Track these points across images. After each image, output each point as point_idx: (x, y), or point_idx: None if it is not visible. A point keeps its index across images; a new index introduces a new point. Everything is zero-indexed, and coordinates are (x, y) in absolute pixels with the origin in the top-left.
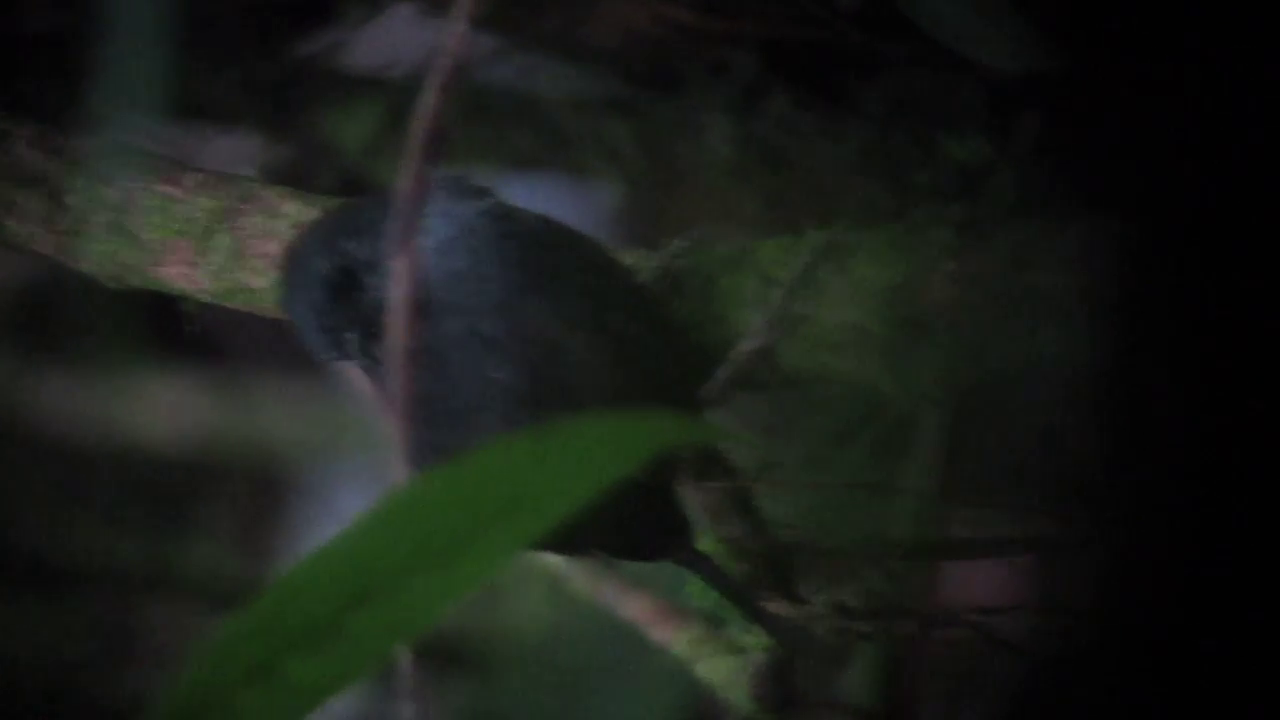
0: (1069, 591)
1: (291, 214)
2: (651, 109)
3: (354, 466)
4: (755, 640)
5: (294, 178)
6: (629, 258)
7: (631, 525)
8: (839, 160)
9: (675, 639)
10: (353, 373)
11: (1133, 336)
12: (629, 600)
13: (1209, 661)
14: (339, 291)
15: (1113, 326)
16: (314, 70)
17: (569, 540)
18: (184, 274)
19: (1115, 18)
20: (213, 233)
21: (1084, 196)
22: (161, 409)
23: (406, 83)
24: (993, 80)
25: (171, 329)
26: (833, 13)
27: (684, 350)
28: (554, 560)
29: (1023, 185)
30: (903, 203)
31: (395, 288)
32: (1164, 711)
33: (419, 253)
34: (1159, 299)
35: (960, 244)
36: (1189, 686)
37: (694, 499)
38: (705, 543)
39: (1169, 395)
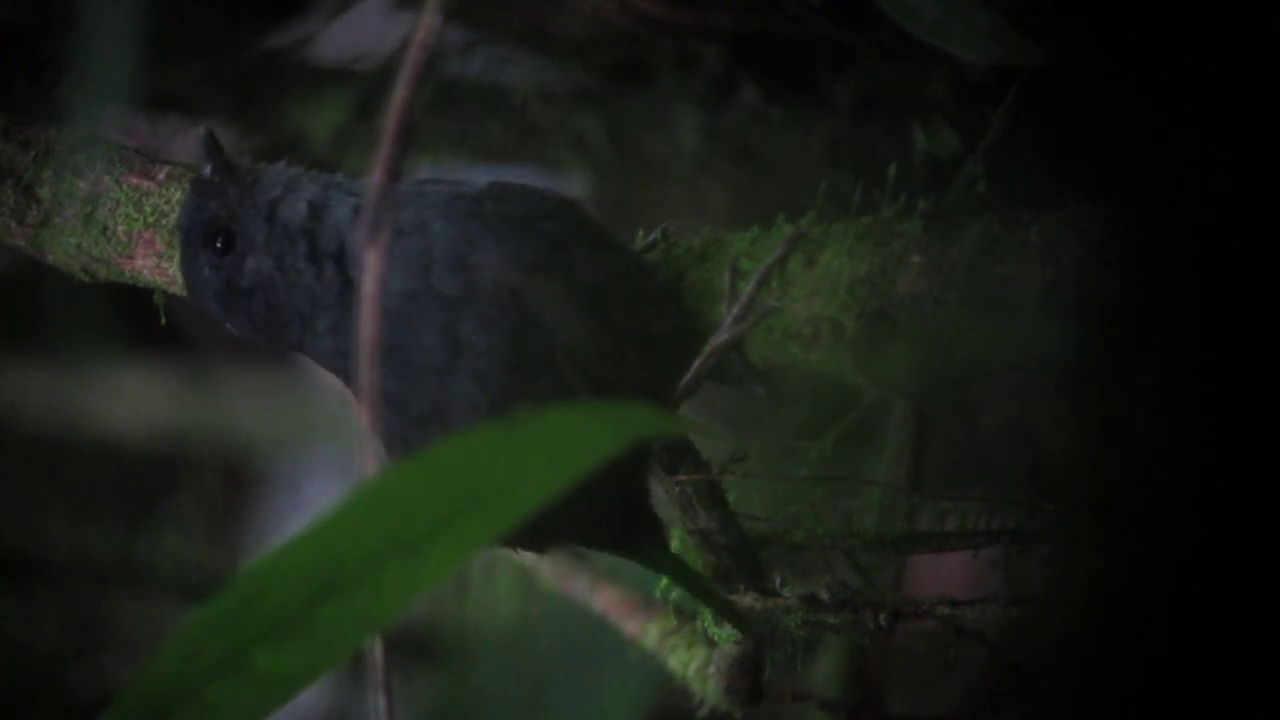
0: (1036, 583)
1: None
2: (620, 101)
3: (323, 457)
4: (725, 633)
5: None
6: None
7: (604, 514)
8: (808, 152)
9: (646, 631)
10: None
11: (1102, 329)
12: (600, 592)
13: (1176, 652)
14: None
15: (1082, 319)
16: (284, 62)
17: (541, 534)
18: (155, 266)
19: (1087, 11)
20: None
21: (1054, 189)
22: (131, 401)
23: (376, 75)
24: (963, 72)
25: (142, 321)
26: (802, 5)
27: (664, 314)
28: (525, 554)
29: (992, 178)
30: (872, 195)
31: (364, 280)
32: (1129, 701)
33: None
34: (1129, 291)
35: (929, 236)
36: (1154, 677)
37: (663, 492)
38: (674, 536)
39: (1138, 387)
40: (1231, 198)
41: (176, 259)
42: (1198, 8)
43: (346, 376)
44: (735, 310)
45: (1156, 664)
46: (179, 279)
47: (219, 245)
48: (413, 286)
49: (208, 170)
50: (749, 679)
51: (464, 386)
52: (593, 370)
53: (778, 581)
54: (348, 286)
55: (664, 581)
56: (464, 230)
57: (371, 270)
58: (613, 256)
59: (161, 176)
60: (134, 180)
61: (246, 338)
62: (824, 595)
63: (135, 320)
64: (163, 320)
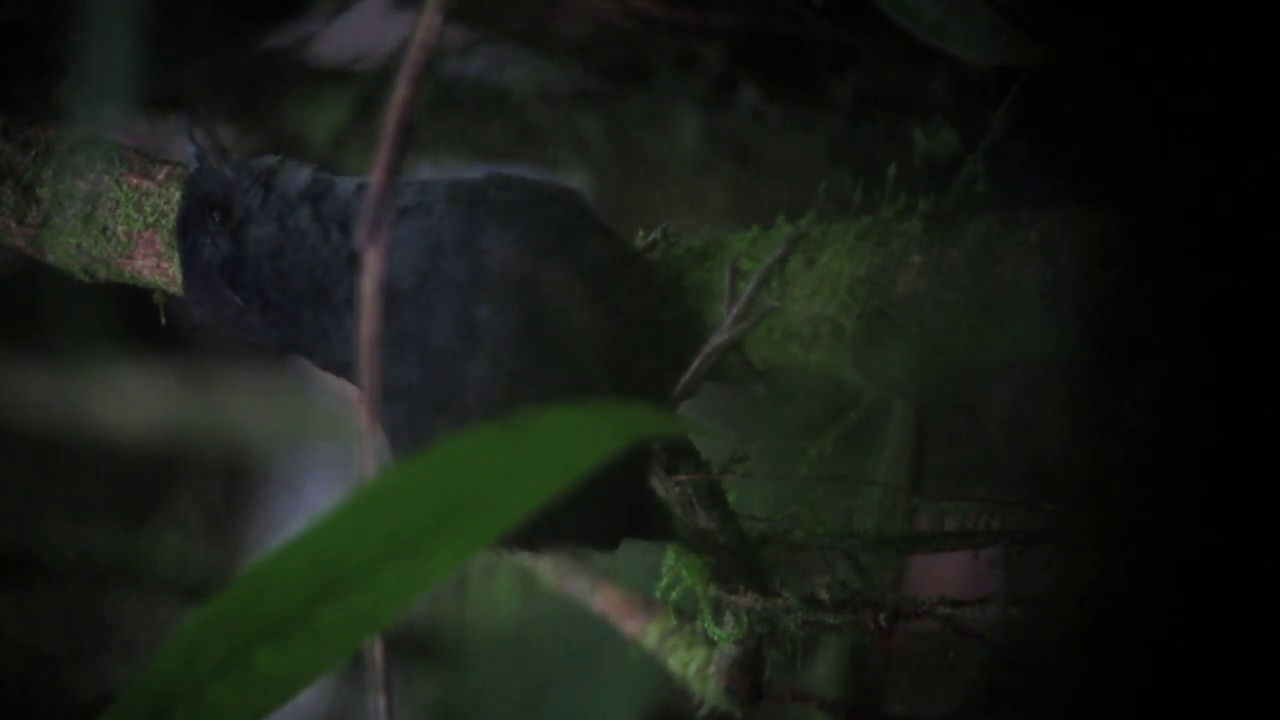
0: (1036, 583)
1: None
2: (621, 101)
3: (323, 457)
4: (725, 633)
5: None
6: None
7: (606, 515)
8: (808, 153)
9: (646, 631)
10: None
11: (1102, 329)
12: (600, 592)
13: (1176, 652)
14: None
15: (1082, 319)
16: (284, 62)
17: (539, 535)
18: (155, 266)
19: (1087, 10)
20: None
21: (1053, 189)
22: (131, 401)
23: (376, 75)
24: (963, 72)
25: (142, 321)
26: (802, 5)
27: (665, 309)
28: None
29: (992, 178)
30: (872, 195)
31: (365, 279)
32: (1130, 701)
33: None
34: (1129, 291)
35: (929, 236)
36: (1154, 676)
37: (664, 492)
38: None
39: (1138, 387)
40: (1231, 197)
41: (176, 259)
42: (1197, 7)
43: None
44: (735, 310)
45: (1157, 664)
46: (179, 279)
47: (216, 218)
48: (421, 268)
49: (194, 158)
50: (749, 679)
51: (475, 372)
52: (602, 355)
53: (778, 581)
54: (355, 258)
55: (664, 581)
56: (469, 214)
57: (371, 270)
58: (614, 243)
59: (161, 176)
60: (134, 180)
61: (259, 338)
62: (824, 595)
63: (135, 320)
64: (163, 320)
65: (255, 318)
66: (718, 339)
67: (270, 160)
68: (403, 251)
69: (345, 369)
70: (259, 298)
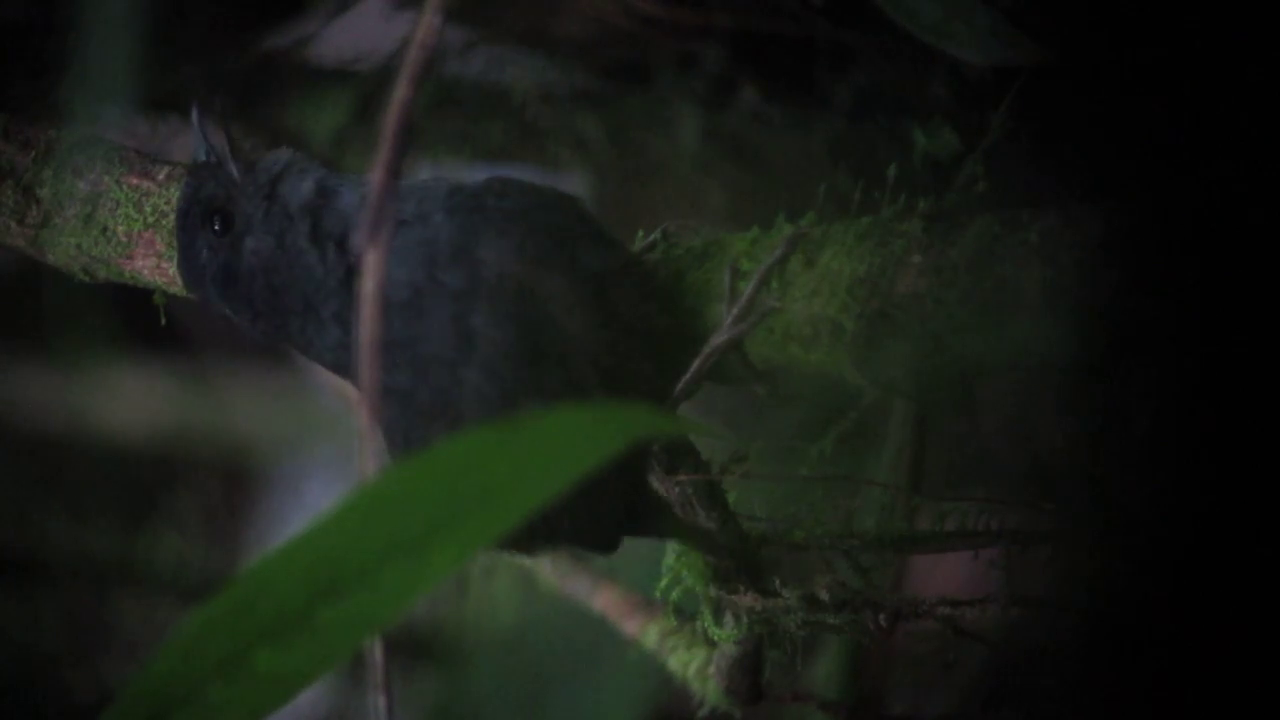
0: (1036, 583)
1: None
2: (621, 101)
3: (324, 458)
4: (725, 633)
5: None
6: None
7: (603, 518)
8: (808, 152)
9: (646, 631)
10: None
11: (1102, 329)
12: (600, 592)
13: (1176, 652)
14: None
15: (1082, 319)
16: (284, 63)
17: (536, 538)
18: (155, 266)
19: (1087, 10)
20: None
21: (1053, 189)
22: (131, 401)
23: (376, 75)
24: (963, 73)
25: (142, 321)
26: (802, 5)
27: (664, 316)
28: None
29: (992, 178)
30: (872, 195)
31: (365, 280)
32: (1129, 701)
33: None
34: (1129, 291)
35: (929, 236)
36: (1154, 676)
37: (663, 492)
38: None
39: (1138, 387)
40: (1231, 196)
41: (176, 255)
42: (1196, 6)
43: (348, 372)
44: (735, 310)
45: (1156, 664)
46: (179, 279)
47: (216, 226)
48: (418, 279)
49: (202, 151)
50: (749, 679)
51: (473, 379)
52: (599, 362)
53: (778, 581)
54: (351, 274)
55: (664, 581)
56: (466, 223)
57: (372, 270)
58: (613, 250)
59: (161, 177)
60: (134, 180)
61: (246, 331)
62: (824, 595)
63: (135, 320)
64: (163, 320)
65: (245, 321)
66: (718, 339)
67: (279, 162)
68: (401, 262)
69: (336, 368)
70: (248, 307)
